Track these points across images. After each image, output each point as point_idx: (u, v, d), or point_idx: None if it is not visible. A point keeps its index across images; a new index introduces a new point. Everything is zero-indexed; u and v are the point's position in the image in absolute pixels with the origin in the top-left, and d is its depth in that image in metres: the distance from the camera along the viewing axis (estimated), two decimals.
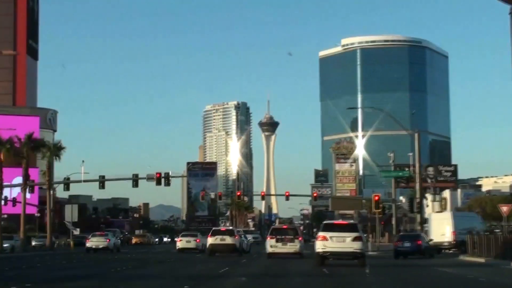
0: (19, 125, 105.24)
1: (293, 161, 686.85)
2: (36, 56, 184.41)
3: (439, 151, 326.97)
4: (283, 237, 47.62)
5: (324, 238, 36.68)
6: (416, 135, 73.65)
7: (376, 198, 64.66)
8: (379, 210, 65.16)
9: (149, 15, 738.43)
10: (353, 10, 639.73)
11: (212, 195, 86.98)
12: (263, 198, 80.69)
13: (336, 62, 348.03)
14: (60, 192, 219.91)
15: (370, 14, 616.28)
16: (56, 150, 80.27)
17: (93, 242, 68.68)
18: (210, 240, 51.85)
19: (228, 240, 51.20)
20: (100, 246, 68.03)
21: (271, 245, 47.58)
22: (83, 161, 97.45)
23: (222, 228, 57.73)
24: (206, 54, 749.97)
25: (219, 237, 51.51)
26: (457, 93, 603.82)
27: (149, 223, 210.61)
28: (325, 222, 40.69)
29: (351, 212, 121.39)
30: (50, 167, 77.36)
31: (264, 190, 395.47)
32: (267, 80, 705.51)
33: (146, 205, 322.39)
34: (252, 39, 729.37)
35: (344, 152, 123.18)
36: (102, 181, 71.88)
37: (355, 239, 36.45)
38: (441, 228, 61.62)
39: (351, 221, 44.31)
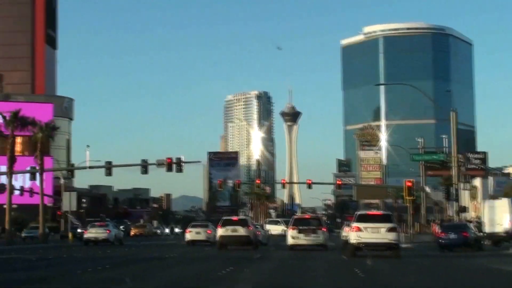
0: (32, 112, 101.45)
1: (315, 151, 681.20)
2: (55, 45, 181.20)
3: (464, 140, 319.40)
4: (305, 227, 44.51)
5: (359, 229, 35.78)
6: (452, 114, 67.15)
7: (409, 184, 58.71)
8: (412, 198, 59.71)
9: (170, 5, 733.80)
10: None
11: (230, 183, 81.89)
12: (283, 186, 76.13)
13: (358, 50, 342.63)
14: (80, 182, 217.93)
15: (392, 1, 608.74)
16: (49, 130, 71.98)
17: (91, 233, 62.20)
18: (220, 232, 46.20)
19: (241, 231, 45.60)
20: (100, 238, 61.52)
21: (293, 236, 44.56)
22: (88, 145, 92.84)
23: (234, 218, 50.04)
24: (227, 44, 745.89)
25: (230, 227, 45.85)
26: (482, 81, 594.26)
27: (169, 213, 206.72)
28: (359, 212, 39.01)
29: (376, 201, 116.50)
30: (41, 152, 68.30)
31: (287, 180, 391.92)
32: (288, 70, 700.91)
33: (168, 195, 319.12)
34: (273, 28, 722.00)
35: (368, 139, 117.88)
36: (108, 167, 66.53)
37: (390, 230, 35.72)
38: (497, 216, 56.34)
39: (386, 212, 41.57)
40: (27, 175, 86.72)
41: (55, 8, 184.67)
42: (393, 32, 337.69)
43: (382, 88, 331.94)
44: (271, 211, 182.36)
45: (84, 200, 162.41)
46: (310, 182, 68.01)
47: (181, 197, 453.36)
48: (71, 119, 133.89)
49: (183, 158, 57.23)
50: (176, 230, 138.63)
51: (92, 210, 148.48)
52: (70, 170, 72.81)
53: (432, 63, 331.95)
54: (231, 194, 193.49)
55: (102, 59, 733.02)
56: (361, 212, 40.71)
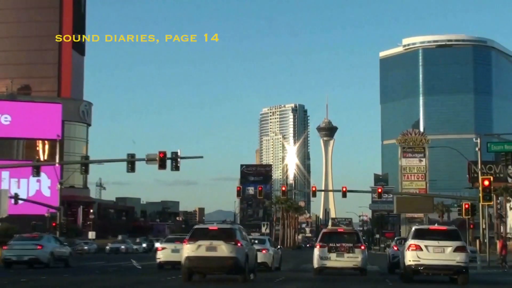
0: (38, 113, 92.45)
1: (352, 166, 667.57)
2: (83, 51, 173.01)
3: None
4: (338, 245, 33.71)
5: (418, 248, 27.88)
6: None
7: (486, 183, 42.83)
8: (489, 203, 46.14)
9: (204, 16, 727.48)
10: (415, 8, 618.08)
11: (251, 191, 71.02)
12: (314, 194, 65.10)
13: (397, 62, 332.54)
14: (107, 195, 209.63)
15: (432, 13, 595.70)
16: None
17: (12, 251, 41.31)
18: (188, 250, 27.24)
19: (222, 249, 26.75)
20: (25, 258, 40.63)
21: (321, 256, 33.58)
22: (134, 141, 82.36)
23: (212, 227, 28.94)
24: (264, 56, 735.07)
25: (205, 244, 26.90)
26: None
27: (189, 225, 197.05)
28: (417, 227, 30.29)
29: (420, 215, 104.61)
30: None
31: (322, 195, 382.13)
32: (325, 82, 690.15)
33: (201, 209, 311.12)
34: (310, 41, 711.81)
35: (412, 145, 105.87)
36: (85, 163, 54.57)
37: (458, 249, 27.95)
38: None
39: (451, 227, 31.48)
40: (31, 183, 76.44)
41: (84, 13, 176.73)
42: (432, 44, 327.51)
43: (421, 101, 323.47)
44: (304, 225, 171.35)
45: (105, 212, 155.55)
46: (346, 189, 57.14)
47: (217, 211, 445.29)
48: (89, 124, 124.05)
49: (179, 153, 45.87)
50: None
51: (117, 223, 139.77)
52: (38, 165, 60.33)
53: (473, 76, 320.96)
54: (266, 208, 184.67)
55: (132, 68, 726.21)
56: (420, 226, 32.19)
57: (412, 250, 27.75)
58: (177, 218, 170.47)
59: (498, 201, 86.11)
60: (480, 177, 46.10)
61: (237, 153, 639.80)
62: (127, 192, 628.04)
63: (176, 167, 45.64)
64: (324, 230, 36.94)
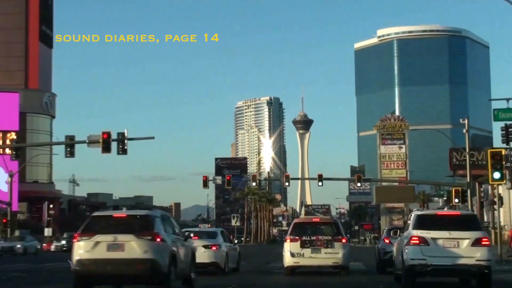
0: None
1: (328, 159, 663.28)
2: (51, 43, 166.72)
3: (481, 146, 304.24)
4: (313, 238, 27.24)
5: (422, 241, 20.19)
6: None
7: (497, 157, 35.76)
8: (500, 182, 36.17)
9: (179, 11, 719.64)
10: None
11: (219, 181, 65.07)
12: (287, 181, 59.54)
13: (372, 54, 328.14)
14: (79, 191, 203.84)
15: (406, 4, 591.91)
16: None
17: None
18: (79, 250, 18.06)
19: (131, 249, 17.83)
20: None
21: (293, 252, 27.20)
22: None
23: (117, 214, 18.91)
24: (238, 51, 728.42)
25: (105, 240, 17.91)
26: (499, 85, 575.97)
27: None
28: (419, 213, 21.92)
29: (401, 205, 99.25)
30: None
31: (299, 188, 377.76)
32: (300, 75, 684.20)
33: (177, 204, 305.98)
34: (285, 34, 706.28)
35: (391, 131, 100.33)
36: (17, 148, 47.99)
37: (478, 242, 20.09)
38: None
39: (467, 211, 25.19)
40: None
41: (51, 5, 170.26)
42: (407, 34, 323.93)
43: (396, 92, 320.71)
44: (280, 218, 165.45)
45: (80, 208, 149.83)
46: (321, 176, 51.86)
47: (193, 206, 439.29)
48: (53, 116, 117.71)
49: (127, 134, 39.76)
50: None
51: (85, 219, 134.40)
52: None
53: (448, 67, 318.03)
54: (237, 199, 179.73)
55: (103, 63, 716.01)
56: (424, 211, 23.77)
57: (415, 244, 20.20)
58: None
59: (482, 189, 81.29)
60: (489, 151, 39.15)
61: (213, 148, 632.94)
62: (103, 188, 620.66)
63: (123, 150, 39.28)
64: (295, 220, 30.06)
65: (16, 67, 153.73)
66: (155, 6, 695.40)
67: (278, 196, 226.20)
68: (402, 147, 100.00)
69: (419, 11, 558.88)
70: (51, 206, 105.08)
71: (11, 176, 59.61)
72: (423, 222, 20.71)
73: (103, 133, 39.92)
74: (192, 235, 24.43)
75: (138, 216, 18.82)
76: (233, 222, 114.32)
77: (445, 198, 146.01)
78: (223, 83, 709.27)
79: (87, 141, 41.56)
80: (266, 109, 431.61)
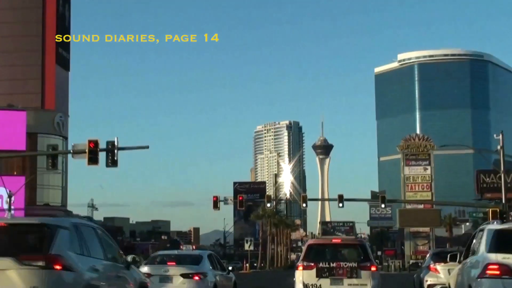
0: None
1: (348, 185, 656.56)
2: (68, 66, 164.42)
3: (508, 170, 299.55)
4: (333, 264, 21.41)
5: (506, 272, 12.56)
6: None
7: None
8: None
9: (196, 29, 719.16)
10: (410, 23, 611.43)
11: (230, 201, 61.25)
12: (304, 201, 55.91)
13: (392, 78, 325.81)
14: (99, 215, 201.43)
15: (427, 28, 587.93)
16: None
17: None
18: None
19: (6, 281, 10.53)
20: None
21: (307, 283, 21.55)
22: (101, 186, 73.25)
23: None
24: (258, 75, 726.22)
25: None
26: None
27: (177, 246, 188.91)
28: (497, 227, 14.08)
29: (426, 230, 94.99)
30: None
31: (319, 213, 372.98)
32: (320, 99, 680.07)
33: (196, 229, 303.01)
34: (305, 57, 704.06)
35: (415, 151, 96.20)
36: None
37: None
38: None
39: None
40: None
41: (69, 27, 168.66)
42: (428, 59, 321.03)
43: (417, 117, 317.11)
44: (300, 243, 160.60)
45: None
46: (342, 197, 48.48)
47: (213, 232, 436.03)
48: (65, 137, 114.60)
49: (117, 142, 35.65)
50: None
51: None
52: None
53: (470, 91, 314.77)
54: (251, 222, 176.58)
55: (120, 90, 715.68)
56: (507, 225, 14.62)
57: (494, 276, 12.74)
58: (162, 237, 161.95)
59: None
60: None
61: (232, 173, 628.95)
62: (122, 213, 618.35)
63: (113, 162, 34.72)
64: (310, 241, 23.92)
65: (32, 89, 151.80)
66: (155, 6, 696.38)
67: (298, 221, 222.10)
68: (427, 168, 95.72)
69: (440, 35, 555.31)
70: None
71: (10, 196, 56.25)
72: (505, 242, 13.32)
73: (90, 141, 35.66)
74: (167, 259, 21.38)
75: (24, 227, 11.80)
76: (246, 247, 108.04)
77: (470, 223, 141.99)
78: (243, 107, 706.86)
79: (71, 151, 37.93)
80: (286, 134, 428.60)
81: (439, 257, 23.22)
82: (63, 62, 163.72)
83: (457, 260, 16.35)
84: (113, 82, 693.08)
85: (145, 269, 21.25)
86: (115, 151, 35.06)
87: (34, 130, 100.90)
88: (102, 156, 35.69)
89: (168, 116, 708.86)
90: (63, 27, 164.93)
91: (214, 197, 56.81)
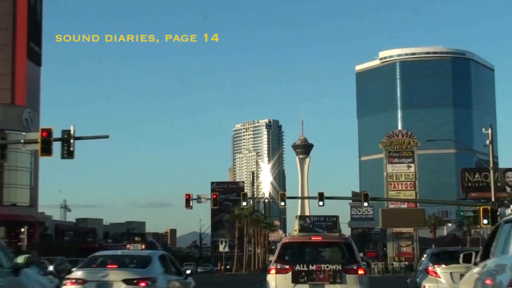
0: None
1: (329, 185, 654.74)
2: (39, 61, 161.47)
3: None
4: (312, 267, 18.25)
5: None
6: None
7: None
8: None
9: (174, 25, 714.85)
10: (391, 21, 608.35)
11: (204, 200, 58.19)
12: (282, 199, 53.21)
13: (374, 76, 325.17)
14: (71, 217, 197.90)
15: (409, 25, 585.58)
16: None
17: None
18: None
19: None
20: None
21: None
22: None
23: None
24: (236, 71, 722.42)
25: None
26: (504, 108, 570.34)
27: (167, 250, 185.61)
28: None
29: (409, 230, 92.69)
30: None
31: (299, 213, 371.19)
32: (300, 96, 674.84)
33: (173, 231, 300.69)
34: (285, 54, 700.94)
35: (398, 148, 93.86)
36: None
37: None
38: None
39: None
40: None
41: (41, 21, 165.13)
42: (410, 56, 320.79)
43: (399, 115, 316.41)
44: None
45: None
46: (322, 195, 45.97)
47: (191, 233, 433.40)
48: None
49: (73, 131, 32.72)
50: (51, 268, 72.65)
51: (69, 245, 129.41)
52: None
53: (452, 89, 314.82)
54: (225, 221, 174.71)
55: (94, 82, 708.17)
56: None
57: None
58: (136, 239, 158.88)
59: (499, 213, 74.90)
60: None
61: (210, 173, 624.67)
62: (97, 214, 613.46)
63: (68, 153, 32.05)
64: (285, 240, 20.74)
65: (2, 85, 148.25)
66: (155, 6, 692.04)
67: (277, 222, 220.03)
68: (411, 166, 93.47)
69: (422, 32, 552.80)
70: (31, 231, 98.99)
71: None
72: None
73: (43, 130, 33.13)
74: (108, 261, 17.78)
75: None
76: (221, 248, 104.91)
77: (453, 223, 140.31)
78: (221, 106, 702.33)
79: (22, 141, 35.12)
80: (265, 133, 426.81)
81: (439, 258, 20.06)
82: (35, 57, 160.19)
83: (472, 261, 13.15)
84: (99, 83, 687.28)
85: (78, 273, 17.89)
86: (71, 140, 32.32)
87: (2, 126, 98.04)
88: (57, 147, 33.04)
89: (145, 116, 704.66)
90: (35, 20, 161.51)
91: (186, 195, 54.03)
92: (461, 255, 13.16)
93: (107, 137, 37.06)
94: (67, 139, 32.42)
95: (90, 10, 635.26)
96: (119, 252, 22.91)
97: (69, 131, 32.65)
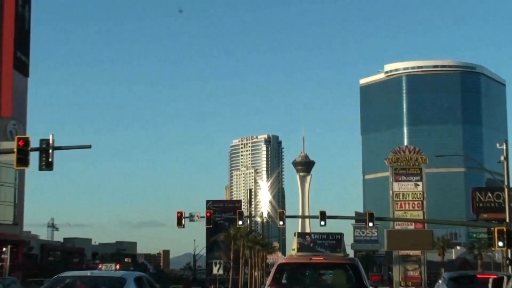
0: None
1: (331, 204, 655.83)
2: (27, 71, 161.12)
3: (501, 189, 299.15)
4: None
5: None
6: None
7: None
8: None
9: (170, 38, 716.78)
10: (397, 32, 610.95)
11: (197, 218, 57.11)
12: (281, 218, 52.20)
13: (378, 90, 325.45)
14: (57, 235, 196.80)
15: (416, 37, 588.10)
16: None
17: None
18: None
19: None
20: None
21: None
22: None
23: None
24: (235, 84, 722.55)
25: None
26: None
27: (158, 272, 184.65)
28: None
29: (417, 253, 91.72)
30: None
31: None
32: (301, 111, 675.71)
33: (166, 252, 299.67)
34: (285, 67, 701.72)
35: (405, 165, 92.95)
36: None
37: None
38: None
39: None
40: None
41: (29, 29, 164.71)
42: (417, 70, 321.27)
43: (405, 132, 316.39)
44: None
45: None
46: (324, 214, 45.08)
47: (185, 255, 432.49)
48: None
49: (52, 141, 31.76)
50: None
51: (60, 266, 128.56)
52: None
53: (461, 105, 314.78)
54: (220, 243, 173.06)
55: (86, 94, 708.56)
56: None
57: None
58: (126, 260, 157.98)
59: None
60: None
61: (206, 191, 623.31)
62: (87, 234, 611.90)
63: (47, 164, 31.30)
64: (281, 260, 18.91)
65: None
66: (146, 11, 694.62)
67: (276, 244, 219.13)
68: (418, 184, 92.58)
69: (429, 45, 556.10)
70: (15, 250, 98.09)
71: None
72: None
73: (19, 139, 32.39)
74: (76, 283, 16.98)
75: None
76: (214, 270, 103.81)
77: (462, 246, 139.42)
78: (218, 120, 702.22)
79: None
80: (264, 149, 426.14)
81: (459, 283, 19.10)
82: (22, 68, 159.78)
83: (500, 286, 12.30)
84: (93, 96, 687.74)
85: None
86: (50, 150, 31.42)
87: None
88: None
89: (137, 130, 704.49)
90: (23, 29, 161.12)
91: (178, 212, 53.14)
92: (491, 280, 12.53)
93: (89, 147, 36.16)
94: (45, 149, 31.57)
95: (78, 16, 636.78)
96: (88, 272, 22.02)
97: (47, 140, 31.76)
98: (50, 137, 32.07)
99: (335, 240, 20.23)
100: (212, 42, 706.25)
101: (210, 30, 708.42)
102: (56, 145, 32.33)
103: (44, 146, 32.02)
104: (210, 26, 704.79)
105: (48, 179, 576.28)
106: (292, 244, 21.42)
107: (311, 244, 20.14)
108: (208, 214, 54.72)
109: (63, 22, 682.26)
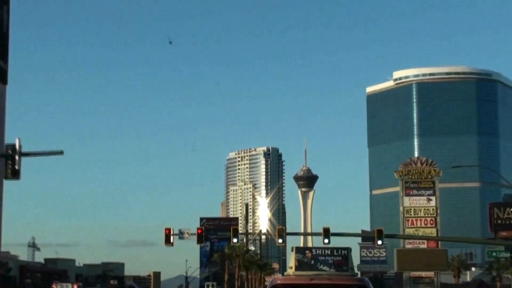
0: None
1: (335, 222, 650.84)
2: (5, 78, 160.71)
3: None
4: None
5: None
6: None
7: None
8: None
9: (157, 46, 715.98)
10: (408, 37, 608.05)
11: (187, 236, 55.66)
12: (280, 235, 50.77)
13: (387, 99, 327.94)
14: (38, 256, 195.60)
15: (427, 42, 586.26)
16: None
17: None
18: None
19: None
20: None
21: None
22: None
23: None
24: (233, 94, 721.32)
25: None
26: None
27: None
28: None
29: (430, 274, 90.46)
30: None
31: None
32: (303, 122, 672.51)
33: (157, 274, 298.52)
34: (286, 74, 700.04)
35: (416, 178, 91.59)
36: None
37: None
38: None
39: None
40: None
41: (7, 33, 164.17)
42: (428, 77, 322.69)
43: (415, 144, 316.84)
44: None
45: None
46: (327, 230, 43.94)
47: (178, 277, 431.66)
48: None
49: (19, 146, 30.60)
50: None
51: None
52: None
53: (477, 115, 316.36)
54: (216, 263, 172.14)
55: (71, 102, 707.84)
56: None
57: None
58: (111, 282, 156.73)
59: None
60: None
61: (200, 208, 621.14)
62: (71, 254, 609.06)
63: (13, 172, 30.08)
64: (276, 280, 17.52)
65: None
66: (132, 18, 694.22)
67: (276, 265, 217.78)
68: (431, 199, 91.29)
69: (442, 50, 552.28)
70: None
71: None
72: None
73: None
74: None
75: None
76: None
77: (478, 267, 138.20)
78: (214, 131, 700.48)
79: None
80: (263, 162, 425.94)
81: None
82: (0, 73, 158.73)
83: None
84: (72, 100, 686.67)
85: None
86: (16, 157, 30.02)
87: None
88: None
89: (127, 142, 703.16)
90: (1, 32, 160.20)
91: (166, 229, 51.72)
92: None
93: (61, 153, 34.62)
94: (11, 155, 30.12)
95: (57, 21, 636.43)
96: None
97: (13, 145, 30.35)
98: (17, 142, 30.66)
99: (341, 256, 18.80)
100: (208, 49, 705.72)
101: (206, 36, 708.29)
102: (26, 151, 31.08)
103: (9, 152, 30.56)
104: (207, 32, 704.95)
105: (31, 195, 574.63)
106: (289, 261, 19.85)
107: (312, 261, 18.66)
108: (199, 231, 53.36)
109: (42, 27, 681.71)
